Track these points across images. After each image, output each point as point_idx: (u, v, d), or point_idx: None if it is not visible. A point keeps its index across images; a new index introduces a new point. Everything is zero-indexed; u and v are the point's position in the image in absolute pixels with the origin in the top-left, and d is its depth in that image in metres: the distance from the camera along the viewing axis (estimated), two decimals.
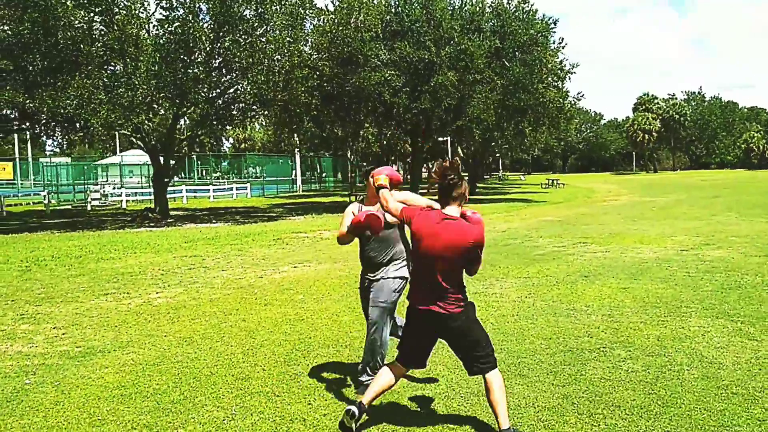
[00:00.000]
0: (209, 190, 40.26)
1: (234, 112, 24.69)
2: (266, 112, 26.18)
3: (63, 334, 6.76)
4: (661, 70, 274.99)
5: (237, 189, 41.57)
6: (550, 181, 51.37)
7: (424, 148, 35.21)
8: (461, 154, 50.20)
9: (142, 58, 19.46)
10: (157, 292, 8.95)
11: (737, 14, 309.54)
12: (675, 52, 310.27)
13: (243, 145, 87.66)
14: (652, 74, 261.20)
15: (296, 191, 48.75)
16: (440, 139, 35.14)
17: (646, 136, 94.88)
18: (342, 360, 5.63)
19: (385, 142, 48.52)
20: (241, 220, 22.40)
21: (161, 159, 23.59)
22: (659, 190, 37.03)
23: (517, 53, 29.13)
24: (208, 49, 20.92)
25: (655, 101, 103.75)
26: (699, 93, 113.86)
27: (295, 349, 5.99)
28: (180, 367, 5.52)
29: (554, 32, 30.32)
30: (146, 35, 21.44)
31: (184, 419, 4.36)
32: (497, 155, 70.52)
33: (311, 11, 23.03)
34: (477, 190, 41.31)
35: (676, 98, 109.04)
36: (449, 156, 38.07)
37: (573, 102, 31.81)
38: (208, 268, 11.20)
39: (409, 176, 45.14)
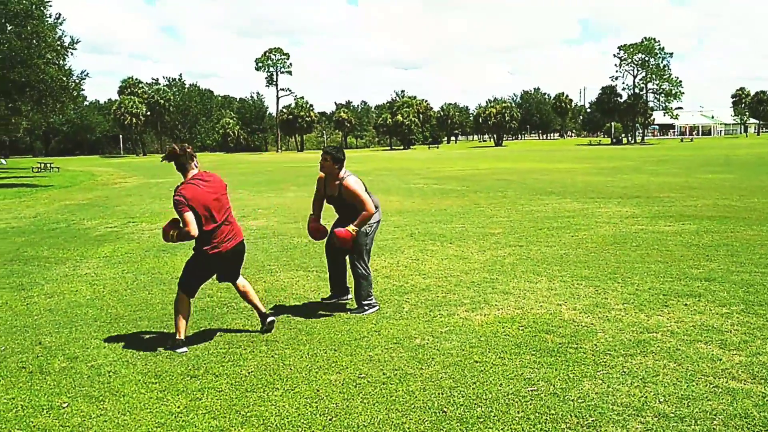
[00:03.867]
0: None
1: None
2: None
3: None
4: (138, 54, 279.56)
5: None
6: (42, 164, 47.75)
7: None
8: None
9: None
10: None
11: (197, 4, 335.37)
12: (149, 38, 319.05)
13: None
14: (129, 58, 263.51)
15: None
16: None
17: (134, 120, 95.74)
18: None
19: None
20: None
21: None
22: (158, 172, 38.45)
23: (8, 25, 26.51)
24: None
25: (140, 85, 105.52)
26: (180, 80, 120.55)
27: None
28: None
29: (50, 6, 28.56)
30: None
31: None
32: None
33: None
34: None
35: (160, 84, 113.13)
36: None
37: (77, 81, 30.47)
38: None
39: None
